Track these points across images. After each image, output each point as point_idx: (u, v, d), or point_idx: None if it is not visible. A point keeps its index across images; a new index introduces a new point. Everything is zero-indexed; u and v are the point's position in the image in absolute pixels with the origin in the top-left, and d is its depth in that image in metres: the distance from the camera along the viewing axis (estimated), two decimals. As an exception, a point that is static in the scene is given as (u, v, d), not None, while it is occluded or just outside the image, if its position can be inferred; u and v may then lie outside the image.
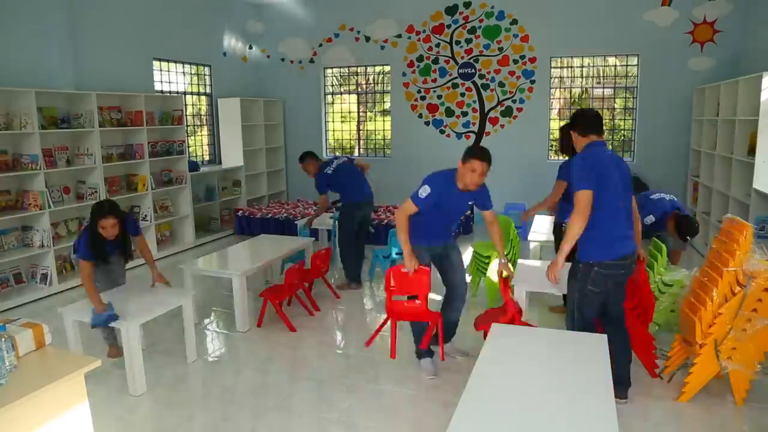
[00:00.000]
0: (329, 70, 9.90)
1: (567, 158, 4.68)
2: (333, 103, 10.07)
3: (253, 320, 4.84)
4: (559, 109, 9.08)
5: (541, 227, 5.85)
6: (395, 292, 3.88)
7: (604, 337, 2.91)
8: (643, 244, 3.83)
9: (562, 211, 4.68)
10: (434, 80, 9.05)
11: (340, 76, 10.01)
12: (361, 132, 10.12)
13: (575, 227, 3.08)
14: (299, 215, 7.88)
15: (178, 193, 7.67)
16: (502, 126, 8.83)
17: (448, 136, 9.08)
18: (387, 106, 9.75)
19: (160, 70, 8.03)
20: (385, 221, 7.57)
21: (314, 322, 4.93)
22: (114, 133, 6.72)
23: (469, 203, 3.82)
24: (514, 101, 8.72)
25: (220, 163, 9.07)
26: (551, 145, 8.82)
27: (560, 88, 8.90)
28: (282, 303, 5.07)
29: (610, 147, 8.69)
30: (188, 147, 8.12)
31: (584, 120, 3.32)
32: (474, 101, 8.92)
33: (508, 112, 8.79)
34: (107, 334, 4.13)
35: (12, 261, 5.59)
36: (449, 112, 9.07)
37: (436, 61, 8.99)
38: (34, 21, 5.96)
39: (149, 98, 7.18)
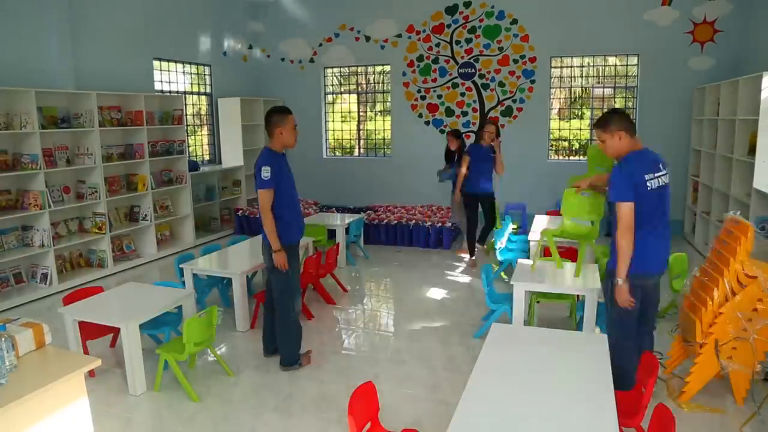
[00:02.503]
0: (329, 70, 9.90)
1: None
2: (333, 103, 10.07)
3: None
4: (559, 108, 9.08)
5: (541, 226, 5.84)
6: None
7: (604, 336, 2.91)
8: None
9: None
10: (434, 80, 9.05)
11: (340, 75, 10.01)
12: (361, 132, 10.12)
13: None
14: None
15: (178, 192, 7.67)
16: (503, 126, 8.81)
17: (449, 135, 9.08)
18: (387, 105, 9.75)
19: (160, 70, 8.03)
20: (385, 221, 7.58)
21: (314, 321, 4.93)
22: (114, 132, 6.72)
23: None
24: (514, 101, 8.72)
25: (220, 162, 9.07)
26: (551, 145, 8.81)
27: (560, 88, 8.90)
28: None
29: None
30: (188, 147, 8.12)
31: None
32: (474, 101, 8.91)
33: (508, 112, 8.78)
34: None
35: (12, 261, 5.59)
36: (449, 112, 9.07)
37: (436, 61, 8.98)
38: (34, 21, 5.95)
39: (149, 98, 7.17)
